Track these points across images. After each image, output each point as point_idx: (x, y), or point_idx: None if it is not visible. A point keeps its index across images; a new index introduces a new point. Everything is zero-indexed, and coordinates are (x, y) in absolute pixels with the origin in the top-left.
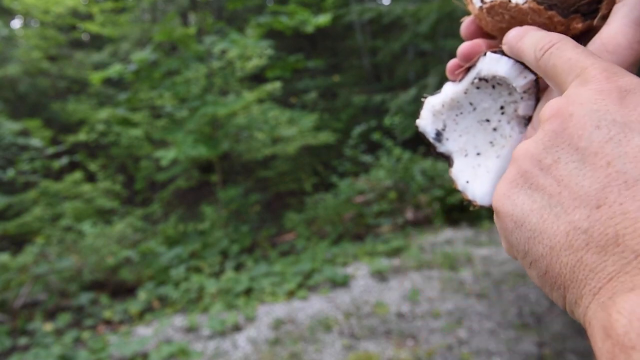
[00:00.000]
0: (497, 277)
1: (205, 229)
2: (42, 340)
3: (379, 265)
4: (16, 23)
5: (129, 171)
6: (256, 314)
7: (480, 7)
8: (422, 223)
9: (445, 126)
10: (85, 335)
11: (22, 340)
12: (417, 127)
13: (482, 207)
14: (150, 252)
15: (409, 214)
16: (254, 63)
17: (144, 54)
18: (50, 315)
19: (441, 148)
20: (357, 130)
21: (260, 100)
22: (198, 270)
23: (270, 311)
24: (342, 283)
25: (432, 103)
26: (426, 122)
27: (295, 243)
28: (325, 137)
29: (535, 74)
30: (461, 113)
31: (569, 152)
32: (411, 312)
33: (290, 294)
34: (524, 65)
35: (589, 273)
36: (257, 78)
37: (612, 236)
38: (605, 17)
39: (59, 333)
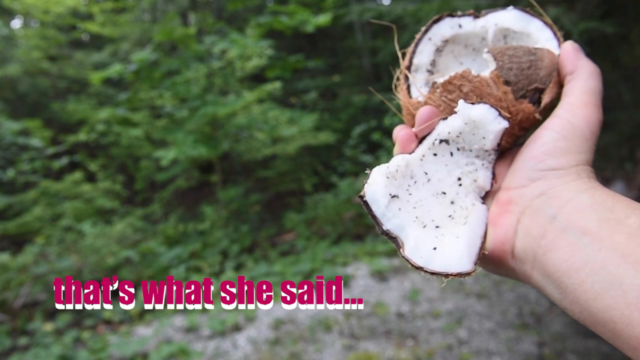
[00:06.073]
0: (497, 277)
1: (205, 229)
2: (42, 340)
3: (379, 265)
4: (16, 23)
5: (129, 171)
6: (256, 314)
7: (433, 86)
8: None
9: (397, 195)
10: (85, 335)
11: (22, 340)
12: (362, 197)
13: (458, 275)
14: (150, 252)
15: None
16: (254, 63)
17: (144, 54)
18: (50, 315)
19: (388, 224)
20: (357, 130)
21: (260, 100)
22: (198, 270)
23: (270, 311)
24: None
25: (383, 167)
26: (376, 188)
27: (295, 243)
28: (325, 137)
29: (508, 120)
30: (415, 183)
31: None
32: (411, 312)
33: None
34: (499, 112)
35: None
36: (257, 78)
37: None
38: (548, 108)
39: (59, 333)
